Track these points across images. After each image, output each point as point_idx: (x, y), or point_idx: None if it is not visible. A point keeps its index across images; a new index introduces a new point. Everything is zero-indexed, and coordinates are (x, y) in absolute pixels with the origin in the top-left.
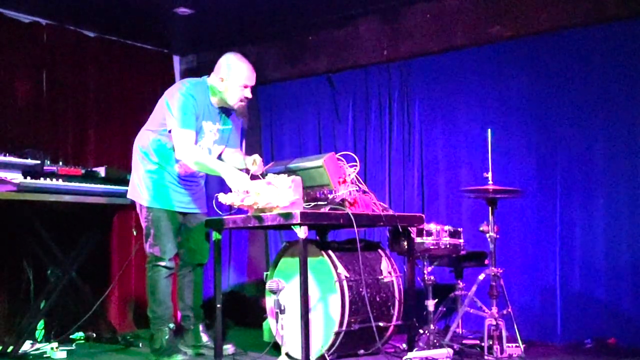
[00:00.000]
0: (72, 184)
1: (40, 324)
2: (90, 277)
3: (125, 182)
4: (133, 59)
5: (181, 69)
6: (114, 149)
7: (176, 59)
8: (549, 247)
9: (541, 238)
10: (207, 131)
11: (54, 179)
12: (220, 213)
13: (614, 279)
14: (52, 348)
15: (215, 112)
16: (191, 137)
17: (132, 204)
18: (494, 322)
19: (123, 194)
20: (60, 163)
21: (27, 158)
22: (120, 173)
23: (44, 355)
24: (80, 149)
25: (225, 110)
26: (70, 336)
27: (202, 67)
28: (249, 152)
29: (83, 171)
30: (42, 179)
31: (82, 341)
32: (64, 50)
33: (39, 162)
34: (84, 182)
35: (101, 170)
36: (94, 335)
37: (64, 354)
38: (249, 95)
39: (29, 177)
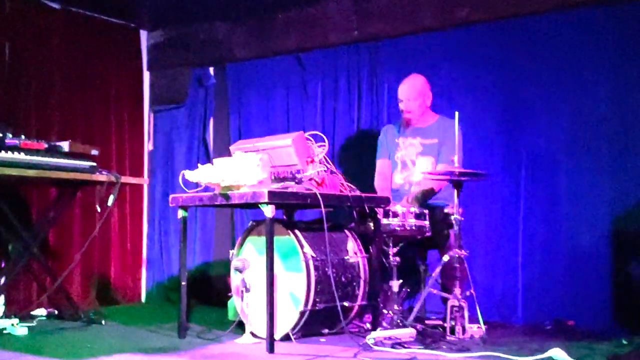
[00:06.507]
0: (35, 157)
1: (1, 300)
2: (52, 253)
3: (89, 157)
4: (99, 33)
5: (148, 44)
6: (78, 123)
7: (143, 34)
8: (512, 230)
9: (505, 221)
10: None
11: (16, 153)
12: (187, 190)
13: (574, 263)
14: (12, 324)
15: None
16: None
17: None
18: (456, 303)
19: (87, 169)
20: (23, 137)
21: None
22: (84, 148)
23: (4, 332)
24: (43, 122)
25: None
26: (32, 312)
27: (169, 43)
28: (217, 130)
29: (46, 145)
30: (3, 152)
31: (44, 318)
32: (28, 22)
33: (0, 135)
34: (47, 156)
35: (65, 145)
36: (56, 312)
37: (25, 330)
38: (401, 107)
39: None
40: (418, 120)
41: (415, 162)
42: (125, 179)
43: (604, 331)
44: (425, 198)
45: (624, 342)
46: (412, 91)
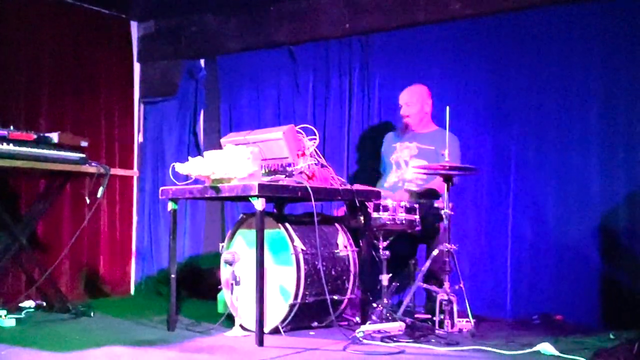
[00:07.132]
0: (24, 148)
1: None
2: (41, 244)
3: (79, 149)
4: (90, 23)
5: (139, 35)
6: (67, 114)
7: (134, 25)
8: (501, 225)
9: (494, 215)
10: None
11: (5, 144)
12: (177, 183)
13: (563, 258)
14: (0, 316)
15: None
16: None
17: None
18: (445, 297)
19: (76, 161)
20: (12, 127)
21: None
22: (74, 139)
23: None
24: (32, 113)
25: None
26: (20, 304)
27: (160, 34)
28: (207, 122)
29: (35, 136)
30: None
31: (32, 309)
32: (18, 11)
33: None
34: (36, 147)
35: (54, 136)
36: (44, 304)
37: (13, 322)
38: (400, 112)
39: None
40: (417, 126)
41: (409, 163)
42: (115, 171)
43: (591, 326)
44: (425, 194)
45: (612, 336)
46: (411, 96)
